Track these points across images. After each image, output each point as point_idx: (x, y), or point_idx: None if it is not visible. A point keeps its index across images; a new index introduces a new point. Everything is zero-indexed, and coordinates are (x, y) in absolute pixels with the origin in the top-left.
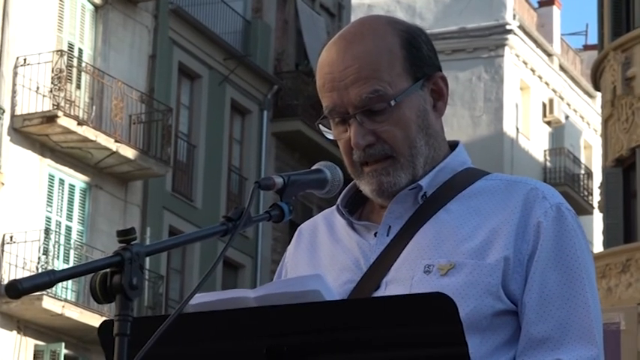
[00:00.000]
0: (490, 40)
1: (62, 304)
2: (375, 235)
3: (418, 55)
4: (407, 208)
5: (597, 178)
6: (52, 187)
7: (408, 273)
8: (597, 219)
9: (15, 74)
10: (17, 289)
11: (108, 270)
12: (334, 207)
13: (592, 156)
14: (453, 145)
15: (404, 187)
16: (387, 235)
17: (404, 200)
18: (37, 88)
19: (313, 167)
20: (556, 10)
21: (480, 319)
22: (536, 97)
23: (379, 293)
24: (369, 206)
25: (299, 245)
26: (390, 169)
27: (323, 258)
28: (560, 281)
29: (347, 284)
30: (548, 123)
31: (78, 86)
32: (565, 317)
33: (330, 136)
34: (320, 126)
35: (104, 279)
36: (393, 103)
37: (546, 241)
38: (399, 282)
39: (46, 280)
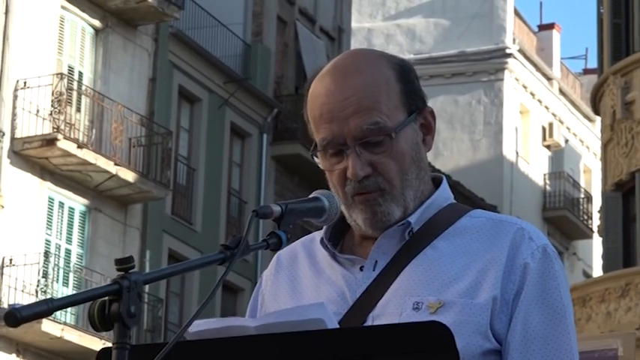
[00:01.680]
0: (490, 64)
1: (61, 327)
2: (361, 269)
3: (412, 88)
4: (394, 243)
5: (597, 202)
6: (52, 210)
7: (396, 309)
8: (597, 243)
9: (15, 97)
10: (16, 317)
11: (106, 298)
12: (312, 235)
13: (592, 180)
14: (436, 179)
15: (397, 220)
16: (374, 270)
17: (392, 236)
18: (37, 111)
19: (311, 195)
20: (556, 34)
21: (468, 358)
22: (536, 120)
23: None
24: (350, 239)
25: (278, 274)
26: (381, 199)
27: (305, 289)
28: (544, 322)
29: (333, 316)
30: (548, 147)
31: (78, 109)
32: (548, 358)
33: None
34: (314, 157)
35: (102, 307)
36: (393, 135)
37: (532, 282)
38: (386, 317)
39: (44, 309)
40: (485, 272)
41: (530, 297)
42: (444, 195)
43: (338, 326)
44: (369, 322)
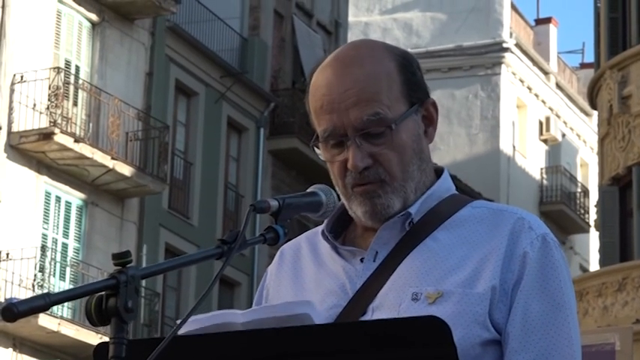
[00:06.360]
0: (487, 58)
1: (58, 321)
2: (362, 260)
3: (413, 80)
4: (394, 234)
5: (593, 197)
6: (49, 204)
7: (395, 300)
8: (593, 237)
9: (12, 91)
10: (13, 312)
11: (103, 293)
12: (317, 229)
13: (588, 174)
14: (438, 171)
15: (397, 211)
16: (374, 261)
17: (392, 227)
18: (34, 105)
19: (308, 190)
20: (553, 29)
21: (467, 349)
22: (533, 115)
23: (366, 319)
24: (352, 230)
25: (281, 267)
26: (380, 191)
27: (307, 281)
28: (543, 311)
29: (333, 309)
30: (545, 141)
31: (75, 103)
32: (547, 347)
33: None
34: (315, 148)
35: (99, 302)
36: (393, 126)
37: (531, 271)
38: (386, 308)
39: (41, 304)
40: (484, 262)
41: (529, 286)
42: (445, 185)
43: (324, 322)
44: (368, 314)
